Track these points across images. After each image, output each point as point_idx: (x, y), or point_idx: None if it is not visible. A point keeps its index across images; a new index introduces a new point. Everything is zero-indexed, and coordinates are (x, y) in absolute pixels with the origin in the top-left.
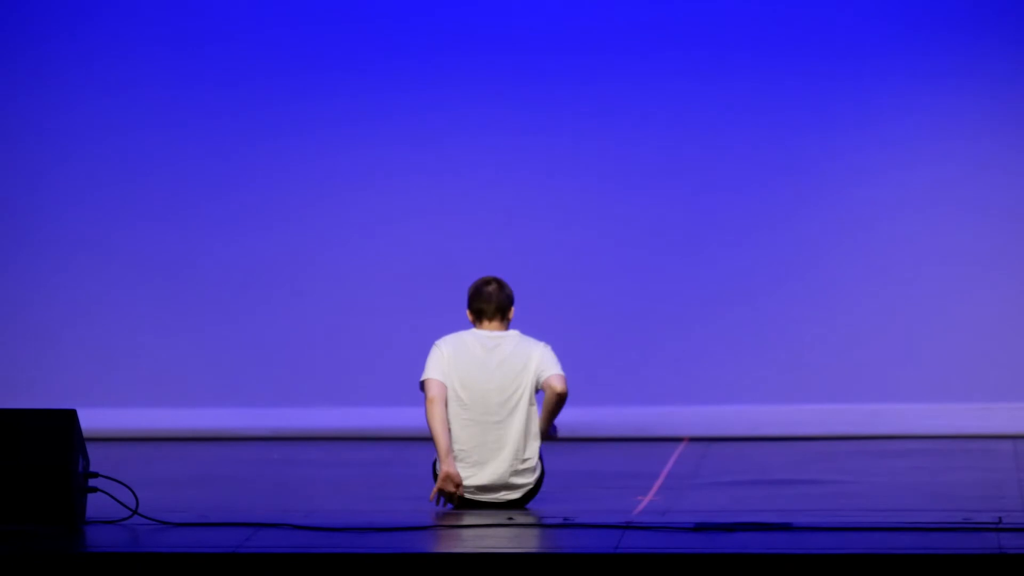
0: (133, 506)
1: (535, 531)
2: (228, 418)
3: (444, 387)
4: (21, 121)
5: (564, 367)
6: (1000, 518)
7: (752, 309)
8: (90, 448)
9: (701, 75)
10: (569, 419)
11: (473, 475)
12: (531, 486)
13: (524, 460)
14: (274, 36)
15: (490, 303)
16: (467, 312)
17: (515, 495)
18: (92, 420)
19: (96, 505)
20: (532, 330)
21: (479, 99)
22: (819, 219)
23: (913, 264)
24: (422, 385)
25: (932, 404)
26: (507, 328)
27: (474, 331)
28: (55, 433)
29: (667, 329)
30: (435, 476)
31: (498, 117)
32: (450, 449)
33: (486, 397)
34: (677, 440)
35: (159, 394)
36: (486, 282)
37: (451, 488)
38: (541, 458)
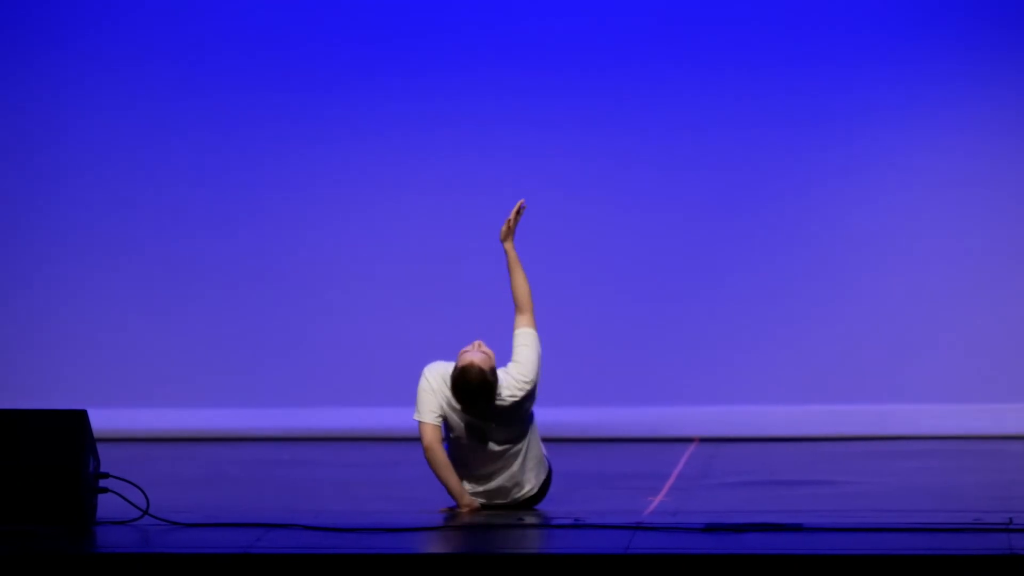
0: (144, 506)
1: (545, 532)
2: (237, 419)
3: (438, 429)
4: (28, 125)
5: (574, 368)
6: (1010, 519)
7: (762, 310)
8: (100, 448)
9: (709, 84)
10: (580, 419)
11: (478, 487)
12: (543, 478)
13: (529, 482)
14: (284, 41)
15: (476, 409)
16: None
17: (524, 493)
18: (102, 420)
19: (107, 505)
20: (543, 332)
21: (486, 103)
22: (829, 221)
23: (923, 265)
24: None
25: (942, 405)
26: None
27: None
28: (66, 433)
29: (677, 330)
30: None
31: (505, 119)
32: (462, 488)
33: (482, 446)
34: (688, 441)
35: (169, 394)
36: (468, 390)
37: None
38: (548, 458)
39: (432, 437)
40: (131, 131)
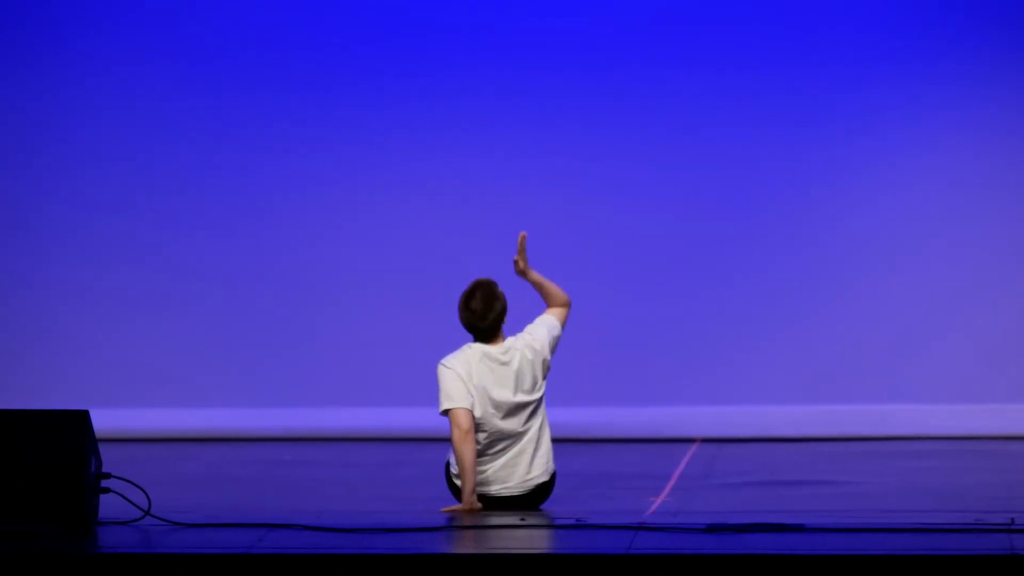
0: (145, 507)
1: (547, 532)
2: (239, 419)
3: (472, 416)
4: (28, 126)
5: (575, 368)
6: (1012, 519)
7: (763, 310)
8: (102, 448)
9: (710, 84)
10: (582, 420)
11: (483, 467)
12: (551, 471)
13: (538, 468)
14: (284, 42)
15: (480, 325)
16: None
17: (530, 479)
18: (104, 421)
19: (108, 506)
20: None
21: (487, 100)
22: (831, 221)
23: (924, 265)
24: (446, 413)
25: (944, 405)
26: (503, 338)
27: (474, 346)
28: (67, 434)
29: (679, 330)
30: (450, 485)
31: (507, 119)
32: (473, 488)
33: (510, 414)
34: (689, 441)
35: (170, 395)
36: (471, 296)
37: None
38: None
39: (470, 424)
40: (131, 132)
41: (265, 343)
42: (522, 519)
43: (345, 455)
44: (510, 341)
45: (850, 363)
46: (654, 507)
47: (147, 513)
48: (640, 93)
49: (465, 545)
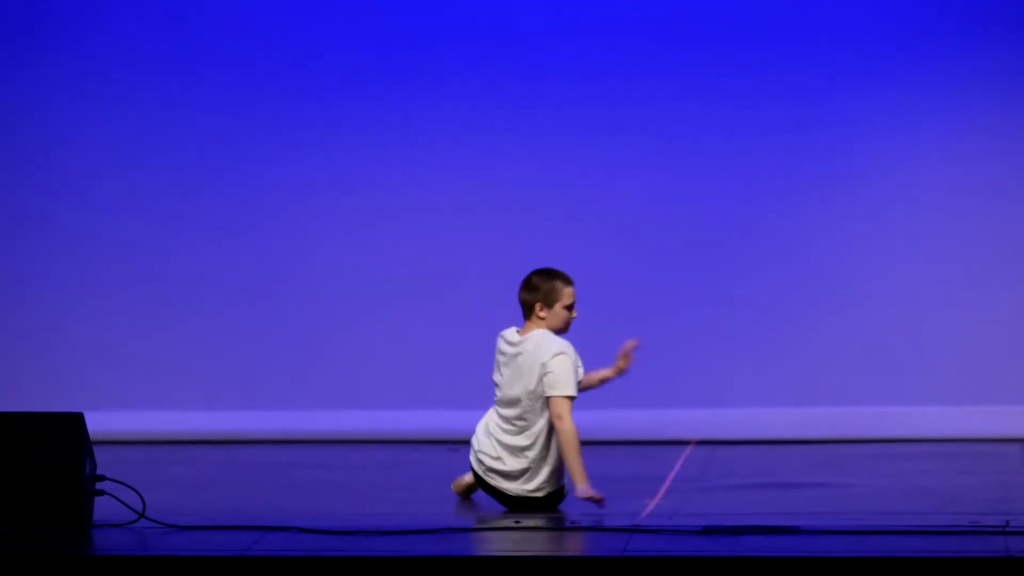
0: (140, 509)
1: (542, 534)
2: (236, 421)
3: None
4: (30, 128)
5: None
6: (1007, 521)
7: (760, 312)
8: (97, 451)
9: (711, 89)
10: (578, 421)
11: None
12: (547, 489)
13: (530, 477)
14: (274, 35)
15: (520, 296)
16: None
17: (520, 486)
18: (99, 423)
19: (103, 508)
20: None
21: (488, 106)
22: (827, 223)
23: (921, 267)
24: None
25: (939, 407)
26: (536, 326)
27: (511, 328)
28: (62, 436)
29: (674, 332)
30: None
31: (507, 115)
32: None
33: (506, 400)
34: (684, 443)
35: (166, 397)
36: (538, 270)
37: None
38: (567, 485)
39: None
40: (129, 135)
41: (262, 346)
42: (517, 521)
43: (342, 457)
44: (536, 334)
45: (846, 365)
46: (649, 509)
47: (142, 516)
48: (642, 97)
49: (461, 547)
